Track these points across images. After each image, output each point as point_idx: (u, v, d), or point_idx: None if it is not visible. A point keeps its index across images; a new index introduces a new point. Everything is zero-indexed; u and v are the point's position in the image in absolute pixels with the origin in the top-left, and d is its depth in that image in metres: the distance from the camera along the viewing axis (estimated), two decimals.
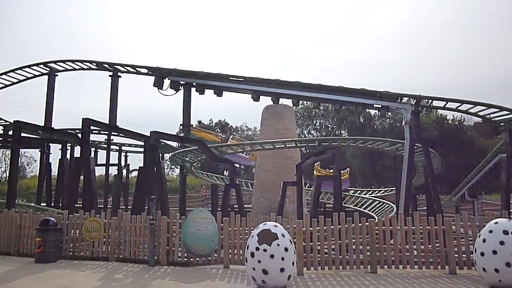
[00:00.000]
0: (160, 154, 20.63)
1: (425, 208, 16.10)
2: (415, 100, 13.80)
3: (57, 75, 18.85)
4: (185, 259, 9.16)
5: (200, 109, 64.59)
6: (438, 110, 38.18)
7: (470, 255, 7.91)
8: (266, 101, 16.34)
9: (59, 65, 18.51)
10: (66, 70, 18.75)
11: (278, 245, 6.54)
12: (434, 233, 8.47)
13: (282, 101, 16.31)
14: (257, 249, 6.57)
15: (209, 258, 9.05)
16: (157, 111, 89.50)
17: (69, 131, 19.90)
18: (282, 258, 6.48)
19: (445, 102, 13.89)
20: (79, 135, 16.25)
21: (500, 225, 6.83)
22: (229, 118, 78.81)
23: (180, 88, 15.39)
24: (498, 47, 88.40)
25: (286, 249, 6.58)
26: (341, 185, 15.38)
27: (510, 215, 8.62)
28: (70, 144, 19.81)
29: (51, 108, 18.69)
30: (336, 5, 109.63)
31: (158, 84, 15.30)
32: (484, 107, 13.85)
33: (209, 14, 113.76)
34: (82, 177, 14.94)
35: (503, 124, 14.65)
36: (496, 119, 14.65)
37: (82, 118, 15.05)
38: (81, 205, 14.42)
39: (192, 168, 23.08)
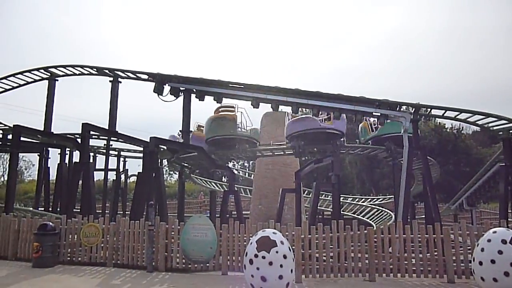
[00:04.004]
0: (159, 160, 20.61)
1: (423, 216, 16.08)
2: (413, 109, 13.86)
3: (57, 80, 18.89)
4: (183, 266, 9.15)
5: (200, 114, 64.54)
6: (437, 119, 38.41)
7: (469, 264, 7.89)
8: (265, 108, 16.38)
9: (59, 70, 18.54)
10: (67, 75, 18.78)
11: (277, 252, 6.53)
12: (432, 242, 8.48)
13: (282, 108, 16.35)
14: (256, 256, 6.56)
15: (207, 264, 9.04)
16: (157, 117, 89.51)
17: (68, 136, 19.92)
18: (281, 265, 6.47)
19: (443, 111, 13.94)
20: (79, 140, 16.26)
21: (499, 235, 6.83)
22: None
23: (180, 94, 15.36)
24: (497, 55, 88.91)
25: (284, 256, 6.57)
26: (339, 193, 15.37)
27: (509, 224, 8.61)
28: (69, 149, 19.80)
29: (50, 112, 18.68)
30: (331, 12, 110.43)
31: (158, 90, 15.29)
32: (483, 116, 13.88)
33: (209, 20, 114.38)
34: (80, 182, 14.94)
35: (501, 133, 14.67)
36: (495, 128, 14.67)
37: (82, 123, 15.10)
38: (79, 210, 14.39)
39: (191, 174, 23.07)
